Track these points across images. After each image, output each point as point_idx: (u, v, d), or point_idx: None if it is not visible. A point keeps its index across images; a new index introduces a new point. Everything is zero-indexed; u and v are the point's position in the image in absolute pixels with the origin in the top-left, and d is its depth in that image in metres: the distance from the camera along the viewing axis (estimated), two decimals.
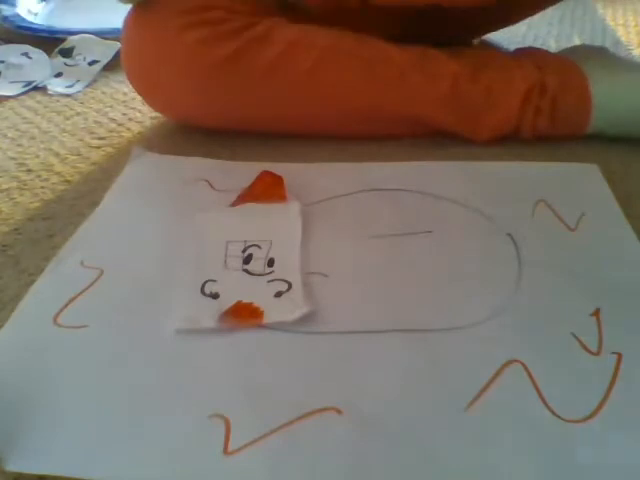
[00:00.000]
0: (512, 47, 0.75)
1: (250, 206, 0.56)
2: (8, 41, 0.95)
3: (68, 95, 0.85)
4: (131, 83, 0.70)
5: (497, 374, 0.39)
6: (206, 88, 0.63)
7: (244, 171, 0.60)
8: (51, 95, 0.85)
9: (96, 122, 0.77)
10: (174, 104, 0.68)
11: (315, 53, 0.63)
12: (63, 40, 0.96)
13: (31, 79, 0.88)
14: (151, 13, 0.64)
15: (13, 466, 0.35)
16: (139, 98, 0.73)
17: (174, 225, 0.54)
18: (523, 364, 0.40)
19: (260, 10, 0.66)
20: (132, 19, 0.66)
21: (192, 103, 0.66)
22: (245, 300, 0.45)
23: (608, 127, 0.64)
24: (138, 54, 0.67)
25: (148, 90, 0.70)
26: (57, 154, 0.70)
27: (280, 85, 0.64)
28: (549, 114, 0.64)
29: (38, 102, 0.84)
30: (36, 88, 0.87)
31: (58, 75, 0.90)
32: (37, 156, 0.70)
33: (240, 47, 0.62)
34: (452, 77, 0.63)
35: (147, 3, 0.65)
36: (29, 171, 0.67)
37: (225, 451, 0.35)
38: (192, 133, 0.70)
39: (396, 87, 0.64)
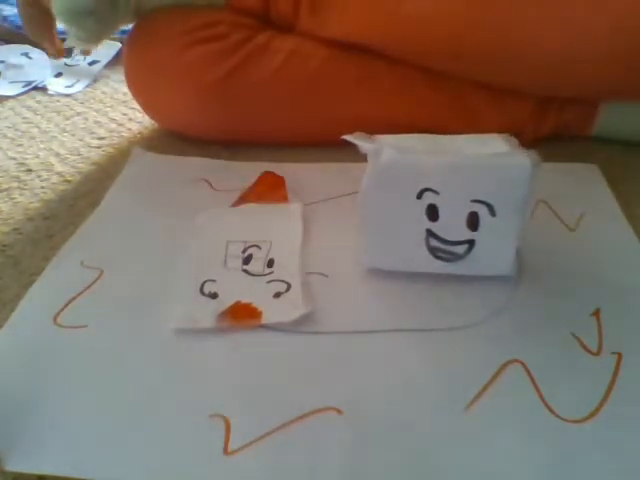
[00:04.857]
0: None
1: (251, 206, 0.56)
2: (8, 41, 0.96)
3: (68, 95, 0.85)
4: (135, 99, 0.70)
5: (497, 374, 0.39)
6: (208, 103, 0.63)
7: (244, 171, 0.61)
8: (51, 95, 0.86)
9: (96, 122, 0.77)
10: (177, 119, 0.68)
11: (315, 61, 0.63)
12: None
13: (31, 79, 0.88)
14: (152, 33, 0.65)
15: (13, 466, 0.35)
16: None
17: (174, 225, 0.54)
18: (523, 364, 0.40)
19: (261, 23, 0.66)
20: (133, 39, 0.67)
21: (194, 118, 0.66)
22: (244, 300, 0.45)
23: (613, 131, 0.64)
24: (140, 74, 0.67)
25: (152, 107, 0.70)
26: (57, 154, 0.70)
27: (281, 94, 0.64)
28: (555, 118, 0.64)
29: (38, 102, 0.84)
30: (36, 88, 0.87)
31: (58, 75, 0.90)
32: (37, 156, 0.70)
33: (242, 58, 0.62)
34: (457, 85, 0.63)
35: (148, 22, 0.66)
36: (29, 171, 0.67)
37: (225, 451, 0.35)
38: None
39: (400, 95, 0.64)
